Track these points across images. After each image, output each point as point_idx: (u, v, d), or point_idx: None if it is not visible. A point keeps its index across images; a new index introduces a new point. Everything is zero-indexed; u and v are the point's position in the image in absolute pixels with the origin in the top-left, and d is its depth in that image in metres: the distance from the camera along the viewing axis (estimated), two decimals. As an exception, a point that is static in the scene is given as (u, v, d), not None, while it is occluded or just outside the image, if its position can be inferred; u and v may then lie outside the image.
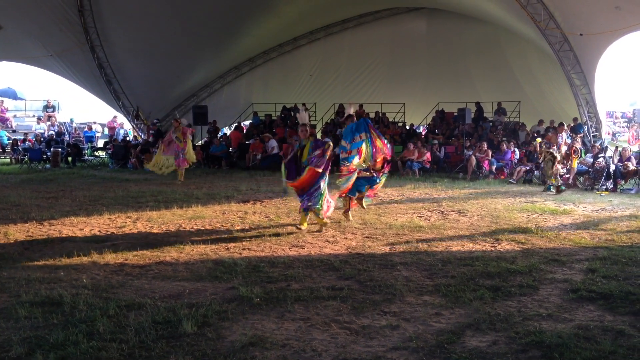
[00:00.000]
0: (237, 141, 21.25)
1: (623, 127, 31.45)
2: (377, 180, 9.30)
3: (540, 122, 19.69)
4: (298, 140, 8.55)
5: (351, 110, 9.58)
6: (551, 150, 13.40)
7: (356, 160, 8.68)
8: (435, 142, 18.98)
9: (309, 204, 8.21)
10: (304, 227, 8.36)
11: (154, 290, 5.39)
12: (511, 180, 15.28)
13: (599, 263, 6.30)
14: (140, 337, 4.14)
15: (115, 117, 27.12)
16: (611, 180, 13.76)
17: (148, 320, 4.47)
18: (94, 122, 30.34)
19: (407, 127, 21.53)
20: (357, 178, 8.91)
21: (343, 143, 8.96)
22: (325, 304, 4.98)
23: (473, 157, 16.59)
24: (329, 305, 4.95)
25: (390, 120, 22.09)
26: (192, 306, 4.83)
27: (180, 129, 14.88)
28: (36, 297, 5.06)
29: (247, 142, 20.98)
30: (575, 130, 18.14)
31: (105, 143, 23.97)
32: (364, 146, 8.75)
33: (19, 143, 22.97)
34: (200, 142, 23.34)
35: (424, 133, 22.15)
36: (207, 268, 6.18)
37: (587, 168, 14.39)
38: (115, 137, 25.41)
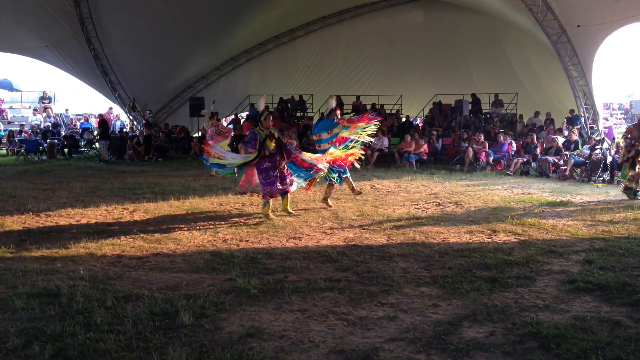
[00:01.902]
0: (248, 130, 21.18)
1: (620, 119, 31.49)
2: (347, 172, 9.61)
3: (537, 113, 19.69)
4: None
5: (333, 104, 9.74)
6: (636, 145, 11.05)
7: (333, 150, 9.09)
8: (434, 132, 18.95)
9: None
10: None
11: (151, 281, 5.38)
12: (508, 172, 15.29)
13: (595, 254, 6.31)
14: (137, 329, 4.14)
15: (110, 108, 26.99)
16: (608, 172, 13.77)
17: (145, 312, 4.47)
18: (91, 114, 30.24)
19: (404, 119, 21.51)
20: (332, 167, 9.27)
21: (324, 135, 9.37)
22: (323, 295, 4.98)
23: (470, 149, 16.59)
24: (326, 296, 4.95)
25: (388, 112, 22.06)
26: (190, 297, 4.83)
27: (216, 123, 14.93)
28: (33, 288, 5.05)
29: (244, 133, 20.93)
30: (572, 122, 18.16)
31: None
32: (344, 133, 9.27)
33: (15, 134, 22.89)
34: (197, 133, 23.31)
35: (420, 125, 22.13)
36: (205, 260, 6.18)
37: (584, 160, 14.40)
38: (112, 129, 25.30)
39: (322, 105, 23.76)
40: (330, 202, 9.59)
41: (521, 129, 19.00)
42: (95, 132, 22.31)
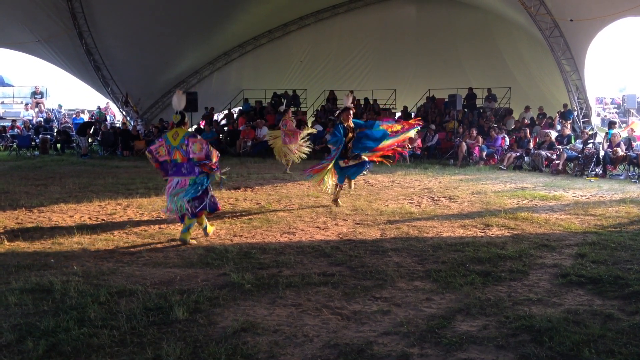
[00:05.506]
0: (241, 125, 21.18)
1: (613, 113, 31.58)
2: (368, 166, 9.43)
3: (527, 108, 19.70)
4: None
5: (349, 102, 9.30)
6: None
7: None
8: (433, 126, 18.92)
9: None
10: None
11: (145, 276, 5.38)
12: (501, 167, 15.34)
13: (588, 248, 6.35)
14: (131, 324, 4.14)
15: (107, 102, 26.94)
16: (600, 166, 13.84)
17: (139, 307, 4.46)
18: (83, 110, 30.05)
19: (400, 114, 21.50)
20: (346, 167, 9.14)
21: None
22: (317, 289, 4.99)
23: (463, 144, 16.62)
24: (320, 291, 4.96)
25: (382, 106, 22.04)
26: (184, 292, 4.83)
27: (286, 121, 13.63)
28: (26, 284, 5.04)
29: (238, 128, 20.92)
30: (565, 116, 18.21)
31: (95, 130, 23.80)
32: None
33: (7, 130, 22.74)
34: (191, 128, 23.23)
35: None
36: (198, 255, 6.17)
37: (576, 154, 14.46)
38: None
39: (316, 100, 23.77)
40: (339, 202, 9.36)
41: (511, 124, 19.00)
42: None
